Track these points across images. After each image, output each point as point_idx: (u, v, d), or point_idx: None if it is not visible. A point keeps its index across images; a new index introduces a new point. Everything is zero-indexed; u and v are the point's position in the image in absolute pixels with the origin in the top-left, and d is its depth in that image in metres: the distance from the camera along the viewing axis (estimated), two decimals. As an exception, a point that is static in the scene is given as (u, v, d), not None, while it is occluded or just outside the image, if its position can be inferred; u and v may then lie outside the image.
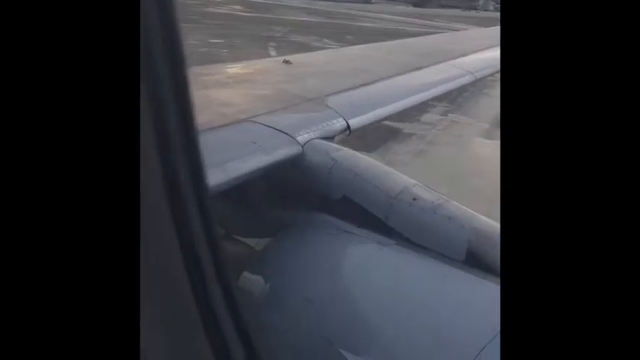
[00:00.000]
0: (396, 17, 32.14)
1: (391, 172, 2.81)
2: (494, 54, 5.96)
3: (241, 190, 3.34)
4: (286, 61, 5.13)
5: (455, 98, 12.27)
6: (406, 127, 10.79)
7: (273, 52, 17.68)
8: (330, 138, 3.25)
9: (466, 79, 5.27)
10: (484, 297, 2.17)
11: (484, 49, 6.36)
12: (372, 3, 38.59)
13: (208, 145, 1.99)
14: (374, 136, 9.18)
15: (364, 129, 3.68)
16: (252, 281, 2.85)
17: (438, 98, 4.93)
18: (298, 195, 3.19)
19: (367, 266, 2.49)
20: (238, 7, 29.95)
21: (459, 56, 5.89)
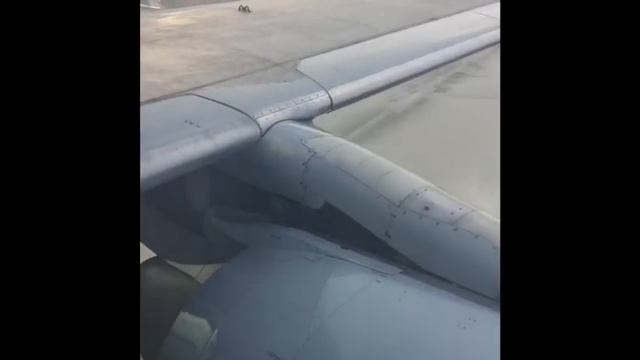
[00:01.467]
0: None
1: (394, 170, 2.75)
2: None
3: (173, 192, 3.28)
4: (243, 8, 5.04)
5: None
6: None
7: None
8: (305, 119, 3.21)
9: (499, 34, 5.23)
10: None
11: None
12: None
13: None
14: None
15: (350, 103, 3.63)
16: (193, 326, 2.79)
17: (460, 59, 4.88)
18: (257, 201, 3.15)
19: (359, 307, 2.42)
20: None
21: (492, 1, 5.86)
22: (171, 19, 4.89)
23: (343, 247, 2.67)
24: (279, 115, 3.06)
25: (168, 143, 2.64)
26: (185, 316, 2.80)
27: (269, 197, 3.05)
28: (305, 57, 3.86)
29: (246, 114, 2.97)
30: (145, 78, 3.28)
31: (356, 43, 4.36)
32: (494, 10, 5.70)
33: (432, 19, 5.20)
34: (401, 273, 2.49)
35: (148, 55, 3.73)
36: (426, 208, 2.53)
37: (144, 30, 4.35)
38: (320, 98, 3.35)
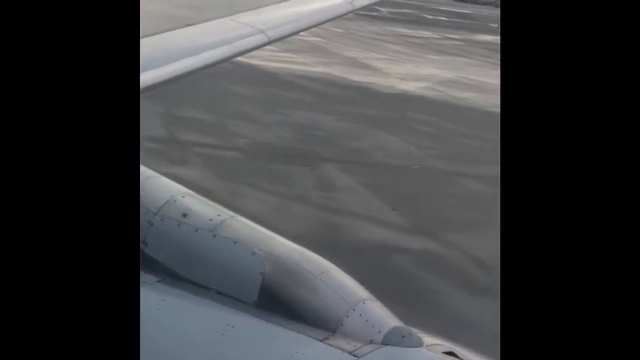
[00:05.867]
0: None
1: (151, 176, 2.69)
2: (305, 8, 6.13)
3: None
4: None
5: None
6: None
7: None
8: None
9: (255, 40, 5.30)
10: (279, 355, 2.17)
11: None
12: None
13: None
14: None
15: None
16: None
17: (216, 66, 4.91)
18: None
19: None
20: None
21: (251, 9, 5.91)
22: None
23: None
24: None
25: None
26: None
27: None
28: None
29: None
30: None
31: None
32: (250, 18, 5.77)
33: (188, 25, 5.17)
34: (159, 281, 2.44)
35: None
36: (184, 215, 2.50)
37: None
38: None
